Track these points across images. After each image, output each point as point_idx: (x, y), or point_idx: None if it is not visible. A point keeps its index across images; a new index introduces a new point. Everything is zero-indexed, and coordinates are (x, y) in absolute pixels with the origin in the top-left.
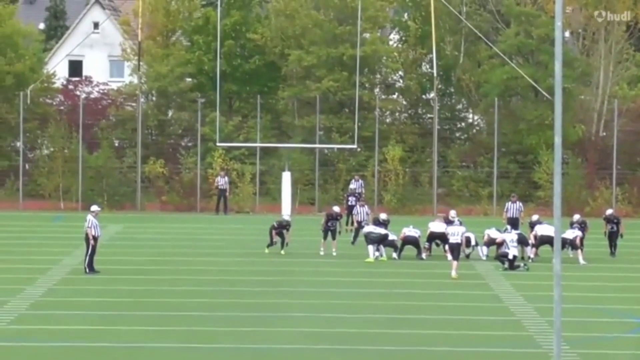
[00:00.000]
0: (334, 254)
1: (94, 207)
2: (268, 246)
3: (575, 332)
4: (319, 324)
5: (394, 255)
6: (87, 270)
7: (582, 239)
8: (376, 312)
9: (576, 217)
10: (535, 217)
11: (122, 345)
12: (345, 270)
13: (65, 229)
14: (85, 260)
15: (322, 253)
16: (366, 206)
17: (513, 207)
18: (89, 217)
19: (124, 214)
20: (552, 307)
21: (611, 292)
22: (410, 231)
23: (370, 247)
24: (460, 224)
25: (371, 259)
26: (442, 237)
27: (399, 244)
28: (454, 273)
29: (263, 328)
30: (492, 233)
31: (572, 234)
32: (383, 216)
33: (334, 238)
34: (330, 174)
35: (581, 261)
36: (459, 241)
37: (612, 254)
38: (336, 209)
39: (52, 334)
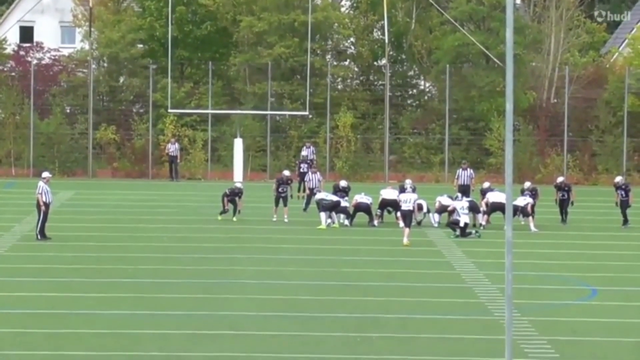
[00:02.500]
0: (286, 220)
1: (45, 174)
2: (220, 213)
3: (526, 299)
4: (271, 291)
5: (346, 222)
6: (39, 237)
7: (533, 206)
8: (328, 279)
9: (527, 184)
10: (486, 184)
11: (76, 312)
12: (298, 237)
13: (16, 195)
14: (36, 227)
15: (274, 220)
16: (318, 173)
17: (464, 174)
18: (40, 183)
19: (75, 180)
20: (504, 274)
21: (562, 259)
22: (362, 198)
23: (323, 214)
24: (413, 190)
25: (323, 225)
26: (394, 204)
27: (350, 210)
28: (405, 240)
29: (215, 295)
30: (444, 200)
31: (523, 201)
32: (343, 183)
33: (285, 204)
34: (282, 141)
35: (532, 228)
36: (411, 208)
37: (563, 221)
38: (286, 173)
39: (4, 301)
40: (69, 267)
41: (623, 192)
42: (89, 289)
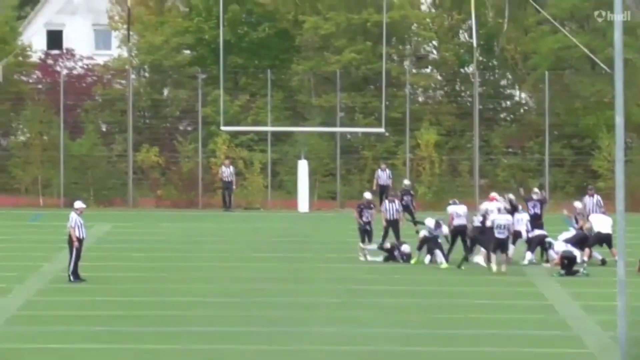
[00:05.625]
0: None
1: (78, 204)
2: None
3: None
4: (348, 340)
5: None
6: (72, 278)
7: None
8: (415, 327)
9: None
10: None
11: None
12: (390, 278)
13: (44, 229)
14: (69, 266)
15: (362, 258)
16: (396, 201)
17: (591, 202)
18: (73, 215)
19: (113, 211)
20: (616, 319)
21: None
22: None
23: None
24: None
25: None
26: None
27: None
28: (503, 267)
29: (282, 347)
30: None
31: None
32: (368, 196)
33: (369, 239)
34: (354, 163)
35: None
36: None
37: None
38: (367, 195)
39: (31, 355)
40: (106, 313)
41: None
42: (132, 339)
